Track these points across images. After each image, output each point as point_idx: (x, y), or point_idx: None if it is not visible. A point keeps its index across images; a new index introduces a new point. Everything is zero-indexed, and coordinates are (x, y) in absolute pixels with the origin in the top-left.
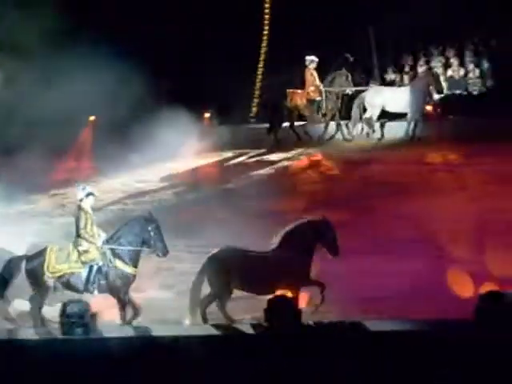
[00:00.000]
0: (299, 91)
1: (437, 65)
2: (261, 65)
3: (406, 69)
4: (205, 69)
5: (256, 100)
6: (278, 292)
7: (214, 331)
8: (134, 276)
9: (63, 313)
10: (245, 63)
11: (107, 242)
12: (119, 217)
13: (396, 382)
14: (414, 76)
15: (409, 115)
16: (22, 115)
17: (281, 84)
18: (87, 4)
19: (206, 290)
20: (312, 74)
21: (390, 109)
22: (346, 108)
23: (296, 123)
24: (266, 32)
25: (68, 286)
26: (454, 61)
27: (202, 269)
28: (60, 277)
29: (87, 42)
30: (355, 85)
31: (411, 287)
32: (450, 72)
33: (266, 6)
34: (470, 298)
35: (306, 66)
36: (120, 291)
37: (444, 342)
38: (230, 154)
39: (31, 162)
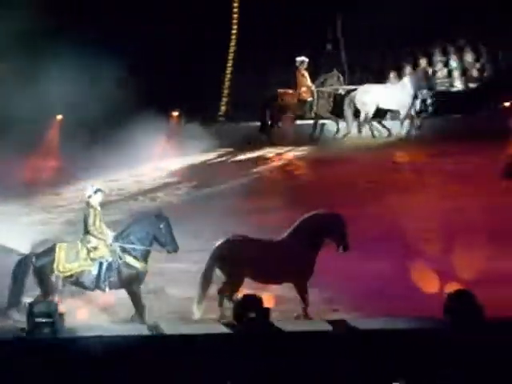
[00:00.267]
0: (290, 91)
1: (407, 64)
2: (229, 64)
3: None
4: (174, 68)
5: (225, 99)
6: (245, 291)
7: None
8: (146, 272)
9: (30, 312)
10: (213, 63)
11: (116, 238)
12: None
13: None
14: (400, 74)
15: (401, 113)
16: None
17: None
18: (60, 5)
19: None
20: (303, 75)
21: (384, 106)
22: (338, 108)
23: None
24: (234, 31)
25: (78, 284)
26: (423, 61)
27: (212, 258)
28: (70, 276)
29: (58, 42)
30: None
31: (377, 286)
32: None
33: (235, 5)
34: (436, 297)
35: (296, 67)
36: (132, 287)
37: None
38: (196, 154)
39: None
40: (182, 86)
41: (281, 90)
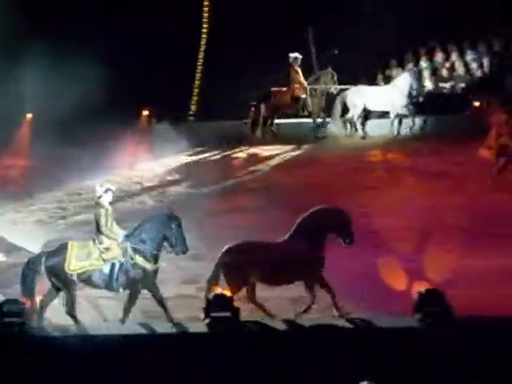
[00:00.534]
0: (284, 89)
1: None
2: (199, 63)
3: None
4: (146, 67)
5: (195, 98)
6: (218, 290)
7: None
8: (156, 271)
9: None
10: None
11: (127, 237)
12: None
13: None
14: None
15: (391, 113)
16: None
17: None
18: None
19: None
20: (297, 72)
21: (372, 108)
22: (330, 106)
23: (281, 121)
24: (204, 30)
25: (89, 282)
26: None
27: (219, 264)
28: (81, 274)
29: (28, 41)
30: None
31: (345, 285)
32: (388, 72)
33: (205, 3)
34: (405, 295)
35: (290, 64)
36: (137, 287)
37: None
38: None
39: None
40: (153, 85)
41: (274, 89)
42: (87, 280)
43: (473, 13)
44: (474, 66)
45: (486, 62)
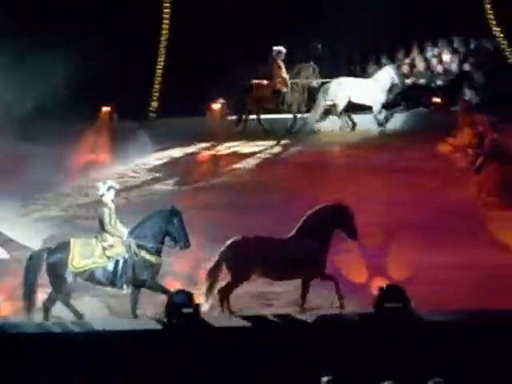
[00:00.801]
0: (265, 82)
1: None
2: (161, 59)
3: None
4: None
5: (156, 94)
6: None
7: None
8: (160, 265)
9: None
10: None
11: (131, 233)
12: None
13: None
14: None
15: (374, 107)
16: None
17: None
18: None
19: None
20: (279, 66)
21: (355, 100)
22: (312, 100)
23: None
24: (165, 26)
25: (91, 279)
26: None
27: (221, 257)
28: (82, 272)
29: None
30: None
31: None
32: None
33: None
34: (366, 291)
35: (273, 58)
36: (147, 281)
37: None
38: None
39: None
40: (115, 81)
41: (255, 82)
42: (89, 277)
43: (433, 10)
44: (434, 62)
45: (446, 58)
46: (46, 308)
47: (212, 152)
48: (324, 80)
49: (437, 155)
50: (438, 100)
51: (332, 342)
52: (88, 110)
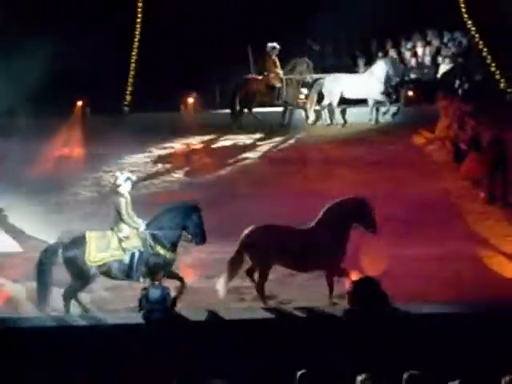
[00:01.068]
0: (259, 77)
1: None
2: (134, 53)
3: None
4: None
5: (130, 88)
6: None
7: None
8: (174, 260)
9: None
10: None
11: (148, 226)
12: None
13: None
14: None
15: (369, 101)
16: None
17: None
18: None
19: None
20: (274, 62)
21: (349, 95)
22: (306, 96)
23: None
24: (138, 20)
25: (108, 273)
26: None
27: (242, 245)
28: (101, 266)
29: None
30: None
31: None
32: None
33: None
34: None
35: (267, 53)
36: (158, 276)
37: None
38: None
39: None
40: (89, 75)
41: (248, 76)
42: (107, 271)
43: (407, 3)
44: (407, 55)
45: (419, 51)
46: (69, 299)
47: (186, 146)
48: (318, 75)
49: (413, 148)
50: (411, 93)
51: (306, 336)
52: (63, 105)
